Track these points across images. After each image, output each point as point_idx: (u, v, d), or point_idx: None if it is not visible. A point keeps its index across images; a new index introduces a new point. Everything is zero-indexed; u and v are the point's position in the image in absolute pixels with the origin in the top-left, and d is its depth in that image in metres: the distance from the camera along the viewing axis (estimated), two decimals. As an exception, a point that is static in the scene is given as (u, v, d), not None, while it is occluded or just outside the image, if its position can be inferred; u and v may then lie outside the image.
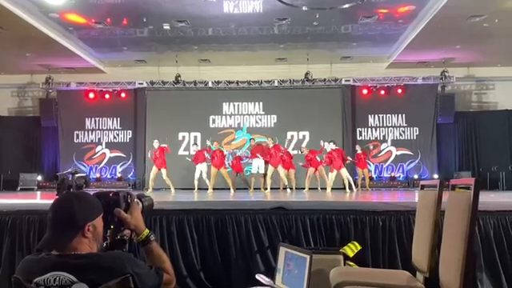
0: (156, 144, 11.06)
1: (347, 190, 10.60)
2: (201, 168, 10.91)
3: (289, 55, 12.69)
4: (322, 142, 11.31)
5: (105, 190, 1.91)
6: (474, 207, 1.93)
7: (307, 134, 13.31)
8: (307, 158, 11.42)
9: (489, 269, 3.94)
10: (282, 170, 10.61)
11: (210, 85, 13.48)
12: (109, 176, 13.67)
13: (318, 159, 11.28)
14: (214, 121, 13.74)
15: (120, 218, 1.75)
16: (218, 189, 11.03)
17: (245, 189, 11.47)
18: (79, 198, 1.65)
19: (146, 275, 1.61)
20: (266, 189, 10.63)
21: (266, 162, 10.86)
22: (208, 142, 11.25)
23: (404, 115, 13.49)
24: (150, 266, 1.69)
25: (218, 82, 13.44)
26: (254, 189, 11.28)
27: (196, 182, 10.88)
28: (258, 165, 11.13)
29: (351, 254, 3.44)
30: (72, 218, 1.58)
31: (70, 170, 2.28)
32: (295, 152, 12.07)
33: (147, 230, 1.80)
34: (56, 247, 1.58)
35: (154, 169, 10.84)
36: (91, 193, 1.77)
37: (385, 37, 11.21)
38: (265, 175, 11.07)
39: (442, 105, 13.03)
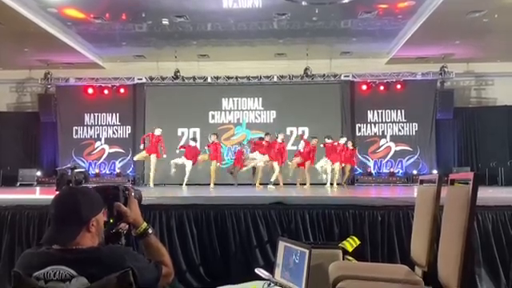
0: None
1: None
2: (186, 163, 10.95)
3: (288, 50, 12.66)
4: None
5: (103, 184, 1.93)
6: (472, 202, 1.93)
7: (306, 129, 13.29)
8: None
9: (487, 264, 3.96)
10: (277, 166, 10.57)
11: (209, 80, 13.45)
12: (108, 172, 13.66)
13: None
14: (213, 116, 13.72)
15: (119, 211, 1.76)
16: (217, 184, 11.03)
17: (248, 184, 11.45)
18: (83, 193, 1.66)
19: (145, 269, 1.62)
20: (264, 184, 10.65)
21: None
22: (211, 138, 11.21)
23: (403, 111, 13.48)
24: (149, 259, 1.70)
25: (217, 78, 13.41)
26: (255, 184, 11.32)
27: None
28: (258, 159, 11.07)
29: (350, 249, 3.45)
30: (78, 214, 1.60)
31: (69, 166, 2.28)
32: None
33: (145, 224, 1.81)
34: (60, 242, 1.59)
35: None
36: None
37: (384, 32, 11.18)
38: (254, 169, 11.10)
39: (441, 100, 13.03)
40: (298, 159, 11.11)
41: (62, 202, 1.64)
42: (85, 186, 1.94)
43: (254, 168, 11.22)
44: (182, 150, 11.49)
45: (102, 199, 1.70)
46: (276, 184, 10.55)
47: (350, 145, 11.82)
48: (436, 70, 13.02)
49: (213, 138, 11.08)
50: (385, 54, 12.93)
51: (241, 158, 11.60)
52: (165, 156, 11.14)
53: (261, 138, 11.33)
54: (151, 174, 11.08)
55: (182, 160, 11.01)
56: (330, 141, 11.06)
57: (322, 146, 11.16)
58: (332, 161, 10.83)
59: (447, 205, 2.28)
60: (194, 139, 11.64)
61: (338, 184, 10.96)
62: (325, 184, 10.83)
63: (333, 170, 10.84)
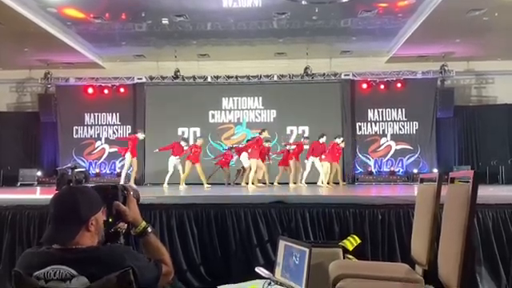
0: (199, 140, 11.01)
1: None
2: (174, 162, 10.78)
3: (288, 50, 12.65)
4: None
5: (102, 183, 1.93)
6: (472, 200, 1.93)
7: (307, 128, 13.29)
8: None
9: (487, 262, 3.96)
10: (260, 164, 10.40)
11: (209, 80, 13.44)
12: (108, 171, 13.66)
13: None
14: (213, 116, 13.72)
15: (119, 210, 1.76)
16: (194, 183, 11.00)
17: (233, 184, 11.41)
18: (83, 193, 1.66)
19: (145, 268, 1.62)
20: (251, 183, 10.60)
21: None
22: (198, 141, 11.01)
23: (403, 109, 13.46)
24: (149, 258, 1.70)
25: (217, 77, 13.40)
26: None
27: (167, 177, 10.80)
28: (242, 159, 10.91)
29: (350, 248, 3.45)
30: (77, 213, 1.60)
31: (69, 165, 2.28)
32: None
33: (144, 223, 1.81)
34: (60, 241, 1.59)
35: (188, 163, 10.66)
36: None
37: (384, 31, 11.16)
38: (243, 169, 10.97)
39: (441, 99, 13.01)
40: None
41: (62, 202, 1.64)
42: (84, 185, 1.94)
43: (242, 169, 11.18)
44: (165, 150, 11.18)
45: (101, 198, 1.70)
46: (263, 183, 10.56)
47: (340, 142, 11.31)
48: (436, 68, 13.01)
49: (197, 142, 10.91)
50: (385, 52, 12.92)
51: (228, 160, 11.54)
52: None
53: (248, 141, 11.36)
54: (133, 174, 10.92)
55: (172, 162, 10.82)
56: (322, 140, 10.93)
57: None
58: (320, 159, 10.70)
59: (447, 203, 2.28)
60: (185, 139, 11.33)
61: (335, 183, 10.90)
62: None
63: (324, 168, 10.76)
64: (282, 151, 11.56)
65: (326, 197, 6.46)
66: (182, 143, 11.01)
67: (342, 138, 11.38)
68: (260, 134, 10.73)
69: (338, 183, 11.13)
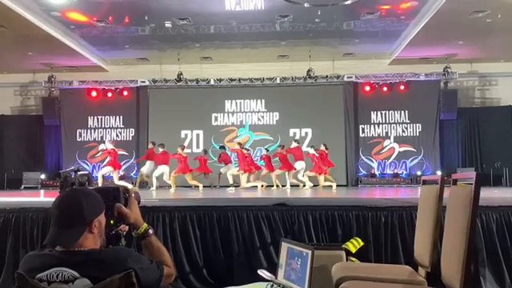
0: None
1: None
2: (163, 169, 10.92)
3: (291, 52, 12.67)
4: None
5: (103, 185, 1.93)
6: (475, 201, 1.92)
7: (309, 130, 13.29)
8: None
9: (491, 264, 3.94)
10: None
11: (212, 82, 13.48)
12: (111, 174, 13.66)
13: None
14: (216, 118, 13.73)
15: (120, 212, 1.76)
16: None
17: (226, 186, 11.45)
18: (86, 195, 1.66)
19: (147, 270, 1.63)
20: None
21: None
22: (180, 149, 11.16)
23: (407, 112, 13.43)
24: (151, 260, 1.70)
25: (220, 80, 13.44)
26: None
27: (155, 180, 10.95)
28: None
29: (353, 250, 3.44)
30: (80, 215, 1.60)
31: (72, 168, 2.28)
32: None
33: (145, 224, 1.82)
34: (62, 244, 1.59)
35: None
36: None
37: (387, 33, 11.17)
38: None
39: (444, 101, 12.98)
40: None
41: (65, 204, 1.64)
42: (86, 187, 1.94)
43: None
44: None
45: (103, 200, 1.71)
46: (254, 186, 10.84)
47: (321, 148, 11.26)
48: (439, 70, 12.99)
49: (179, 150, 11.06)
50: (388, 54, 12.92)
51: (205, 165, 11.57)
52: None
53: (222, 147, 11.85)
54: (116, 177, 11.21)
55: (159, 170, 10.96)
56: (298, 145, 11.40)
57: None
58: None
59: (450, 205, 2.27)
60: (162, 145, 11.27)
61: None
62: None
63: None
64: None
65: (328, 199, 6.44)
66: (159, 149, 11.10)
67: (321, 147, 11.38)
68: (241, 147, 11.23)
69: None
